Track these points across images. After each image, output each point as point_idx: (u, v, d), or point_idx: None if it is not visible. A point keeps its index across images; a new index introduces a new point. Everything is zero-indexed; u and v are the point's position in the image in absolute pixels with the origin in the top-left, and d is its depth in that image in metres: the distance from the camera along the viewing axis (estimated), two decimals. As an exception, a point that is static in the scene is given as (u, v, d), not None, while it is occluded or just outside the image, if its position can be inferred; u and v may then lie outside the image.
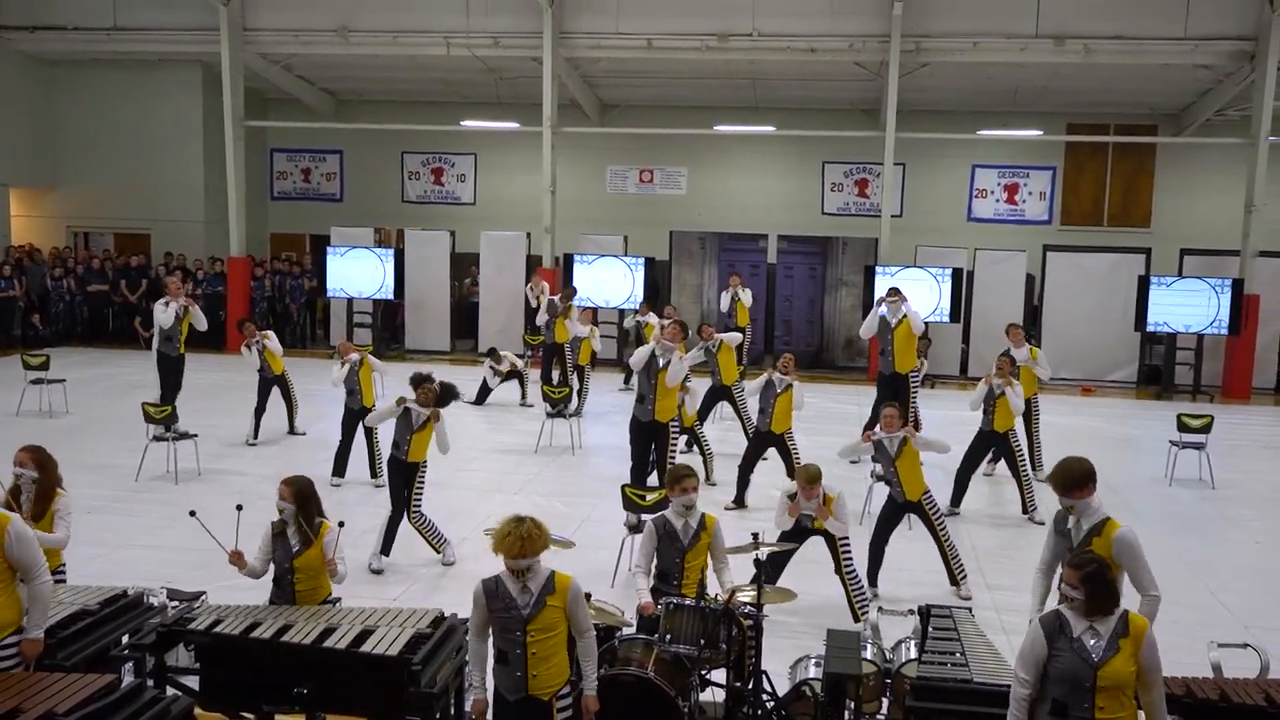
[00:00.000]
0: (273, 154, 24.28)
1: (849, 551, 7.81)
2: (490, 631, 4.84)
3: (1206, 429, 12.25)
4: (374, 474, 11.22)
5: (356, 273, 20.31)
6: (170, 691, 5.38)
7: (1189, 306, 18.12)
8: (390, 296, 20.43)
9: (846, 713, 5.46)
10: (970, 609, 6.33)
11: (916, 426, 12.47)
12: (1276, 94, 17.63)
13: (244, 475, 11.49)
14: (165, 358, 13.12)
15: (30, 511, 5.79)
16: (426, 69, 20.82)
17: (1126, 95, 20.51)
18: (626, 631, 5.92)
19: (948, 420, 14.58)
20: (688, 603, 5.87)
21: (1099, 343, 19.26)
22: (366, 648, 5.28)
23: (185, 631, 5.49)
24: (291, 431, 13.39)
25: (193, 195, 22.06)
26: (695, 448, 11.92)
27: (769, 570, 7.11)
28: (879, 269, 18.75)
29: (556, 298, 15.94)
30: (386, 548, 8.81)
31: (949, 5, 18.16)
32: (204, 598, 6.16)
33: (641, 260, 19.81)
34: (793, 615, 7.64)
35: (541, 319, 16.04)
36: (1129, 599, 4.77)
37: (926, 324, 18.94)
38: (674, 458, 9.98)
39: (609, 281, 19.72)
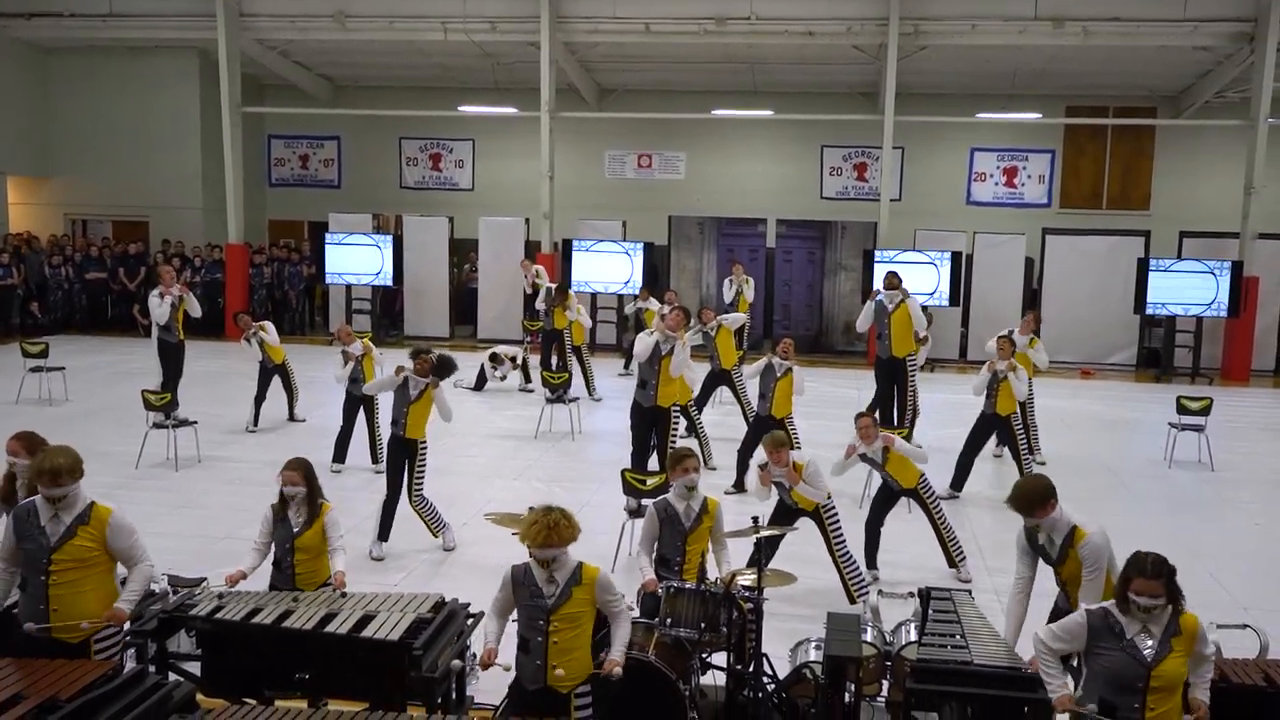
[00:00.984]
0: (270, 140, 24.22)
1: (838, 530, 7.77)
2: (509, 615, 4.84)
3: (1206, 411, 12.26)
4: (375, 459, 11.21)
5: (355, 259, 20.30)
6: (172, 677, 5.39)
7: (1188, 289, 18.12)
8: (389, 283, 20.42)
9: (847, 695, 5.47)
10: (970, 591, 6.34)
11: (914, 414, 12.50)
12: (1276, 76, 17.60)
13: (244, 462, 11.49)
14: (166, 344, 13.11)
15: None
16: (424, 54, 20.76)
17: (1125, 77, 20.46)
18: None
19: (948, 404, 14.60)
20: (688, 586, 5.89)
21: (1098, 325, 19.26)
22: (367, 633, 5.29)
23: (187, 618, 5.51)
24: (291, 418, 13.39)
25: (190, 182, 22.02)
26: (691, 432, 11.93)
27: (765, 551, 7.11)
28: (878, 253, 18.75)
29: (554, 287, 15.97)
30: (384, 533, 8.80)
31: (947, -12, 18.13)
32: (205, 584, 6.17)
33: (640, 245, 19.80)
34: (792, 598, 7.65)
35: (540, 305, 16.06)
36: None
37: (926, 309, 19.03)
38: (674, 442, 9.99)
39: (608, 267, 19.72)
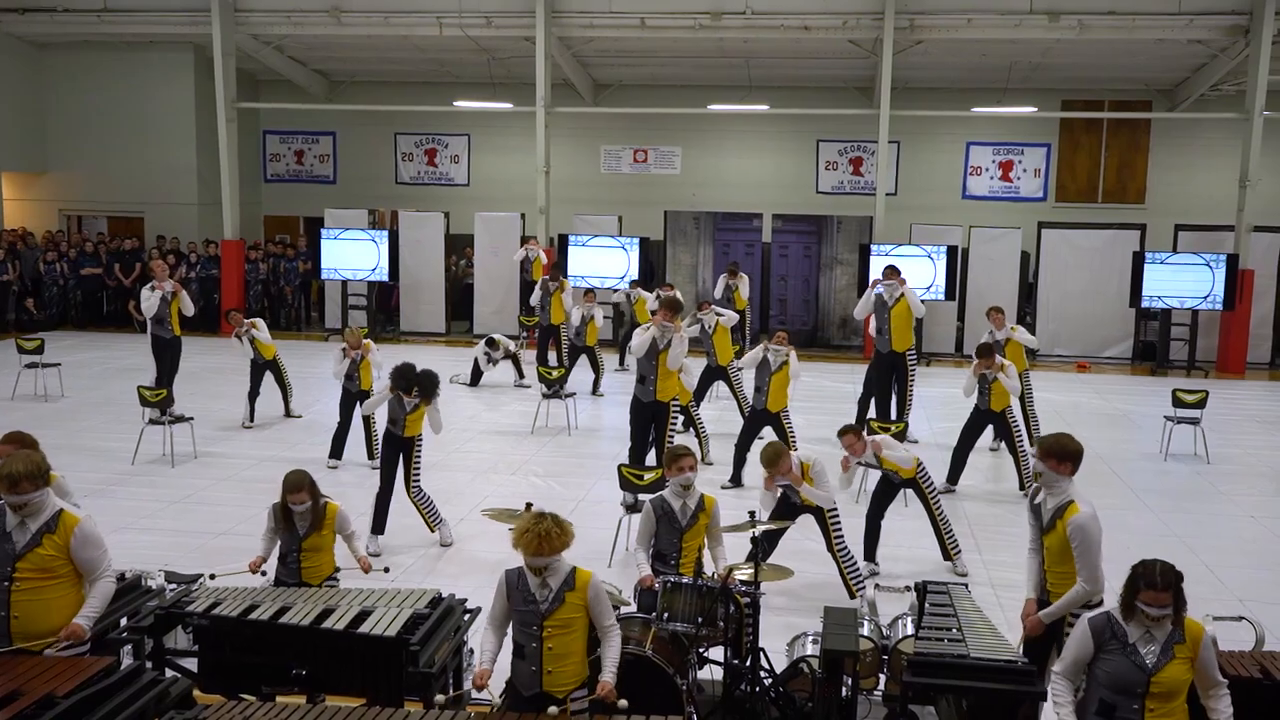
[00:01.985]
0: (265, 136, 24.19)
1: (839, 528, 7.78)
2: (507, 626, 4.79)
3: (1201, 404, 12.27)
4: (371, 455, 11.21)
5: (351, 255, 20.27)
6: (169, 673, 5.39)
7: (1184, 282, 18.14)
8: (385, 278, 20.40)
9: (844, 689, 5.48)
10: (967, 585, 6.35)
11: (906, 410, 12.48)
12: (1271, 69, 17.61)
13: (241, 458, 11.49)
14: (159, 340, 13.09)
15: None
16: (419, 49, 20.72)
17: (1121, 71, 20.47)
18: (625, 610, 5.93)
19: (944, 399, 14.61)
20: (685, 581, 5.89)
21: (1094, 319, 19.28)
22: (364, 629, 5.29)
23: (184, 614, 5.51)
24: (288, 414, 13.38)
25: (186, 178, 21.98)
26: (690, 428, 11.93)
27: (763, 546, 7.12)
28: (874, 247, 18.76)
29: (548, 279, 15.96)
30: (379, 526, 8.81)
31: (943, -18, 18.12)
32: (202, 580, 6.17)
33: (636, 240, 19.79)
34: (790, 593, 7.66)
35: (535, 298, 16.04)
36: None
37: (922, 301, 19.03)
38: (672, 438, 9.99)
39: (604, 262, 19.70)
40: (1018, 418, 11.09)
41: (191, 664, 5.61)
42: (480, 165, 23.53)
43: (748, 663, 5.87)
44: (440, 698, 4.56)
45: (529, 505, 6.22)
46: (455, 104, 21.84)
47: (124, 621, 5.63)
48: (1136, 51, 19.08)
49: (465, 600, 5.82)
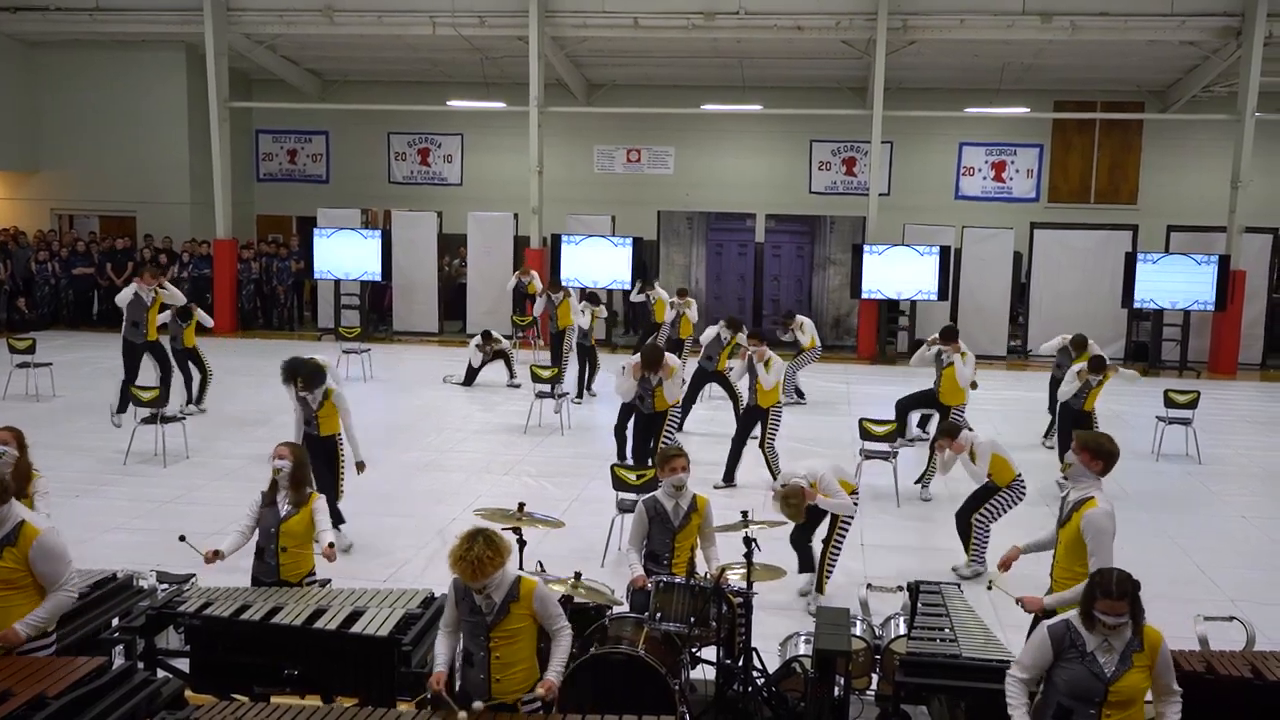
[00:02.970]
0: (258, 135, 24.15)
1: (844, 535, 7.75)
2: (460, 629, 4.78)
3: (1193, 405, 12.31)
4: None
5: (344, 255, 20.24)
6: (160, 674, 5.38)
7: (1176, 283, 18.18)
8: (378, 278, 20.36)
9: (836, 689, 5.48)
10: (959, 585, 6.37)
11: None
12: (1262, 70, 17.65)
13: (232, 457, 11.46)
14: (130, 344, 12.79)
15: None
16: (412, 49, 20.70)
17: (1113, 72, 20.51)
18: (617, 610, 5.93)
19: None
20: (678, 581, 5.89)
21: (1086, 319, 19.20)
22: (357, 629, 5.29)
23: (175, 614, 5.50)
24: (197, 403, 13.37)
25: (178, 177, 21.93)
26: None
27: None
28: (867, 247, 18.79)
29: (551, 293, 16.01)
30: (334, 521, 8.68)
31: (936, -18, 18.15)
32: (193, 580, 6.15)
33: (629, 240, 19.79)
34: (783, 592, 7.66)
35: (539, 308, 16.10)
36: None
37: (913, 302, 19.06)
38: (669, 438, 10.04)
39: (597, 262, 19.69)
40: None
41: (183, 664, 5.61)
42: (473, 165, 23.51)
43: (740, 663, 5.87)
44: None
45: (521, 505, 6.23)
46: (448, 103, 21.82)
47: (116, 622, 5.63)
48: (1129, 53, 19.11)
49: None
